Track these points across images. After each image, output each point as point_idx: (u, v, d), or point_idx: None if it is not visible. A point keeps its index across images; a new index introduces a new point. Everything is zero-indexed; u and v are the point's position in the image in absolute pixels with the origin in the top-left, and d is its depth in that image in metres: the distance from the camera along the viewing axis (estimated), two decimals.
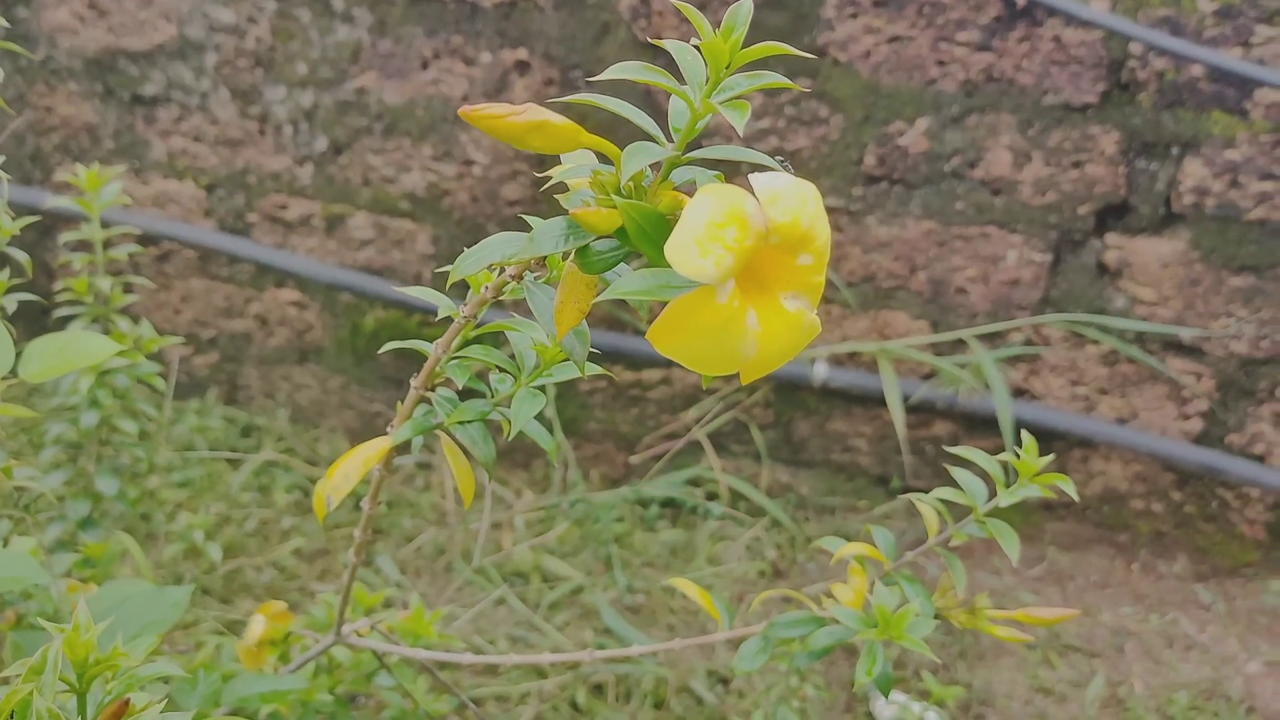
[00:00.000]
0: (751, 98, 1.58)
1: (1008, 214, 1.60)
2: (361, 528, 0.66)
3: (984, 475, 0.78)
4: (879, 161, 1.61)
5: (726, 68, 0.42)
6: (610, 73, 0.42)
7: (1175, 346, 1.63)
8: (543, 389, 0.59)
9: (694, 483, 1.84)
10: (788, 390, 1.77)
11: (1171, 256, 1.57)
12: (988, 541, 1.78)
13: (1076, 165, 1.56)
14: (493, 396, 0.59)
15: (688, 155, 0.44)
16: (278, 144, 1.76)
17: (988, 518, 0.73)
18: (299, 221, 1.80)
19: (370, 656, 0.94)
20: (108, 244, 1.13)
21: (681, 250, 0.37)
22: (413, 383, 0.58)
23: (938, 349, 1.70)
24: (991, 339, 1.68)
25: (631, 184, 0.43)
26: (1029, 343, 1.67)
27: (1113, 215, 1.58)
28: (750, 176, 0.39)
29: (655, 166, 0.45)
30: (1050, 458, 0.71)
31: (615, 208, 0.41)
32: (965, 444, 1.73)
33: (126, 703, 0.46)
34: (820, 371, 1.70)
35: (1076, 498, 0.69)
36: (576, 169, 0.44)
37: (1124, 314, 1.62)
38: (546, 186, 0.46)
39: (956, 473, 0.74)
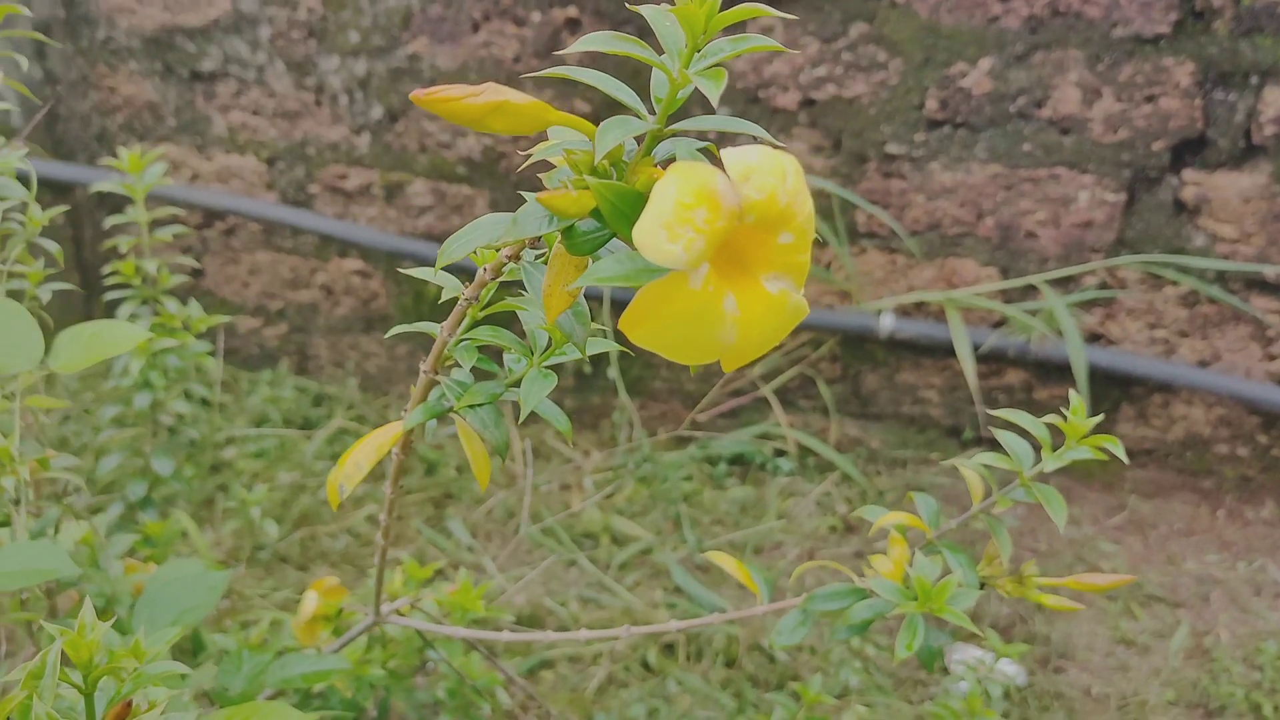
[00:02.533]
0: (806, 45, 1.53)
1: (1078, 153, 1.54)
2: (386, 511, 0.66)
3: (1047, 430, 0.74)
4: (941, 105, 1.56)
5: (704, 34, 0.39)
6: (579, 45, 0.40)
7: (1259, 285, 1.56)
8: (555, 368, 0.58)
9: (762, 439, 1.82)
10: (854, 343, 1.74)
11: (1253, 190, 1.50)
12: (1065, 489, 1.74)
13: (1149, 99, 1.49)
14: (506, 377, 0.58)
15: (670, 128, 0.42)
16: (334, 114, 1.76)
17: (1051, 474, 0.70)
18: (359, 191, 1.80)
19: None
20: (153, 225, 1.14)
21: (649, 234, 0.35)
22: (422, 367, 0.57)
23: (1008, 296, 1.65)
24: (1064, 283, 1.63)
25: (607, 161, 0.41)
26: (1103, 286, 1.62)
27: (1189, 150, 1.52)
28: (723, 151, 0.37)
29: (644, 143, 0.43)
30: (1099, 418, 0.68)
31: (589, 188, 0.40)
32: (1039, 392, 1.69)
33: (129, 705, 0.46)
34: (887, 323, 1.67)
35: (1126, 460, 0.66)
36: (554, 147, 0.42)
37: (1204, 253, 1.56)
38: (525, 165, 0.45)
39: (1003, 435, 0.71)
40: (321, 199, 1.83)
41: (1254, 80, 1.45)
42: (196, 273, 1.97)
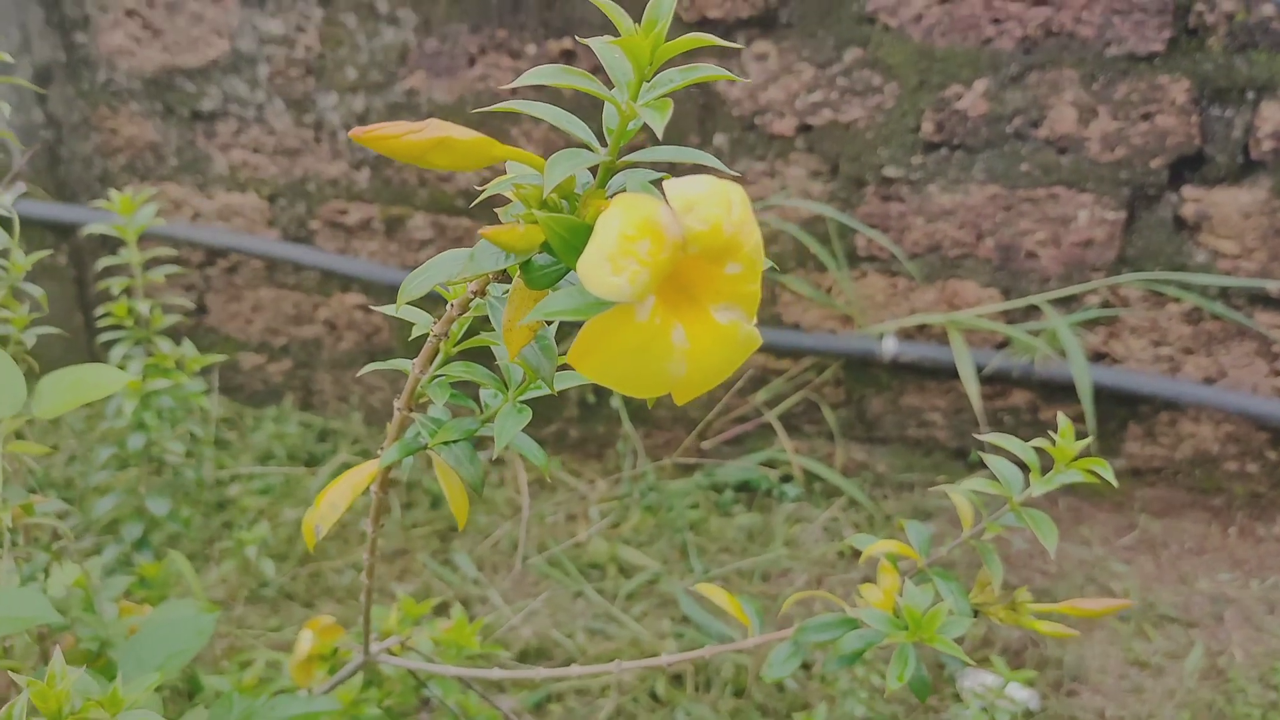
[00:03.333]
0: (800, 71, 1.54)
1: (1076, 173, 1.54)
2: (369, 550, 0.65)
3: (1035, 454, 0.73)
4: (937, 127, 1.56)
5: (650, 64, 0.39)
6: (525, 79, 0.40)
7: (1262, 300, 1.55)
8: (554, 399, 0.57)
9: (768, 465, 1.81)
10: (858, 367, 1.73)
11: (1253, 206, 1.50)
12: (1074, 509, 1.72)
13: (1146, 117, 1.49)
14: (482, 413, 0.57)
15: (623, 160, 0.41)
16: (333, 150, 1.77)
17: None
18: (359, 226, 1.81)
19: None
20: (149, 265, 1.14)
21: (593, 267, 0.34)
22: (396, 404, 0.57)
23: (1010, 317, 1.64)
24: (1066, 303, 1.62)
25: (557, 195, 0.40)
26: (1106, 305, 1.61)
27: (1188, 167, 1.51)
28: (665, 183, 0.36)
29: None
30: (1089, 440, 0.68)
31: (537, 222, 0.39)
32: (1045, 412, 1.68)
33: None
34: (889, 346, 1.66)
35: (1115, 483, 0.65)
36: (506, 181, 0.42)
37: (1206, 269, 1.55)
38: (479, 200, 0.45)
39: (993, 461, 0.70)
40: (322, 235, 1.84)
41: (1250, 96, 1.44)
42: (200, 310, 1.97)
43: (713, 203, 0.36)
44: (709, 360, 0.38)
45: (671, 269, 0.36)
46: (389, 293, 1.84)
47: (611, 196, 0.41)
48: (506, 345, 0.44)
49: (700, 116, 1.62)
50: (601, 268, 0.34)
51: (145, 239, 1.72)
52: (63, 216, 1.88)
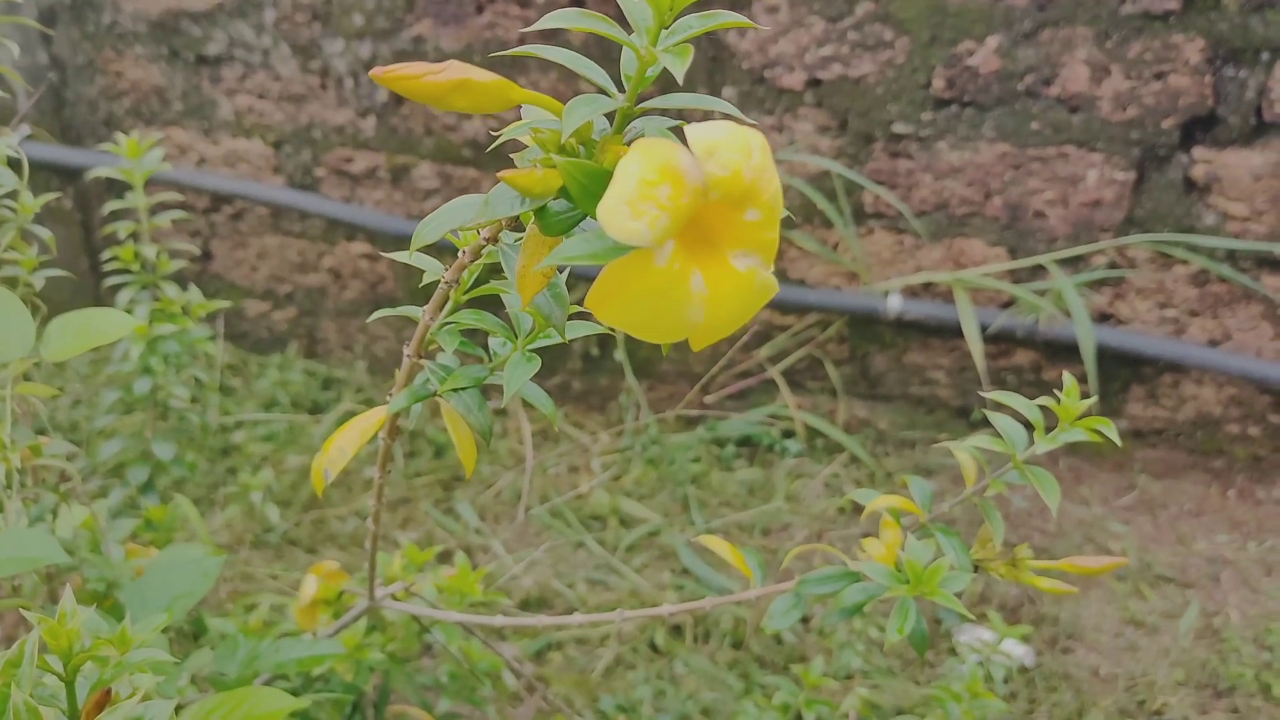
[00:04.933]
0: (811, 24, 1.52)
1: (1087, 132, 1.53)
2: (375, 496, 0.66)
3: (1041, 413, 0.73)
4: (948, 84, 1.54)
5: (670, 11, 0.39)
6: (544, 22, 0.40)
7: (1270, 263, 1.55)
8: (558, 349, 0.57)
9: (770, 420, 1.82)
10: (862, 324, 1.73)
11: (1264, 168, 1.49)
12: (1074, 469, 1.73)
13: (1159, 77, 1.48)
14: (491, 360, 0.58)
15: (641, 106, 0.41)
16: (340, 97, 1.76)
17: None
18: (365, 174, 1.80)
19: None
20: (155, 210, 1.14)
21: (613, 212, 0.34)
22: (405, 351, 0.57)
23: (1016, 276, 1.64)
24: (1073, 263, 1.61)
25: (575, 140, 0.40)
26: (1113, 266, 1.60)
27: (1200, 128, 1.50)
28: (686, 128, 0.36)
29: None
30: (1093, 400, 0.68)
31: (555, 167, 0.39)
32: (1049, 372, 1.68)
33: (108, 693, 0.46)
34: (894, 304, 1.66)
35: (1119, 442, 0.65)
36: (524, 125, 0.42)
37: (1214, 231, 1.54)
38: (496, 144, 0.44)
39: (997, 418, 0.71)
40: (328, 182, 1.83)
41: (1264, 57, 1.43)
42: (205, 256, 1.97)
43: (733, 148, 0.36)
44: (727, 307, 0.38)
45: (691, 214, 0.36)
46: (394, 242, 1.83)
47: (629, 142, 0.41)
48: (520, 292, 0.44)
49: (709, 69, 1.61)
50: (621, 212, 0.34)
51: (151, 184, 1.71)
52: (68, 160, 1.87)
